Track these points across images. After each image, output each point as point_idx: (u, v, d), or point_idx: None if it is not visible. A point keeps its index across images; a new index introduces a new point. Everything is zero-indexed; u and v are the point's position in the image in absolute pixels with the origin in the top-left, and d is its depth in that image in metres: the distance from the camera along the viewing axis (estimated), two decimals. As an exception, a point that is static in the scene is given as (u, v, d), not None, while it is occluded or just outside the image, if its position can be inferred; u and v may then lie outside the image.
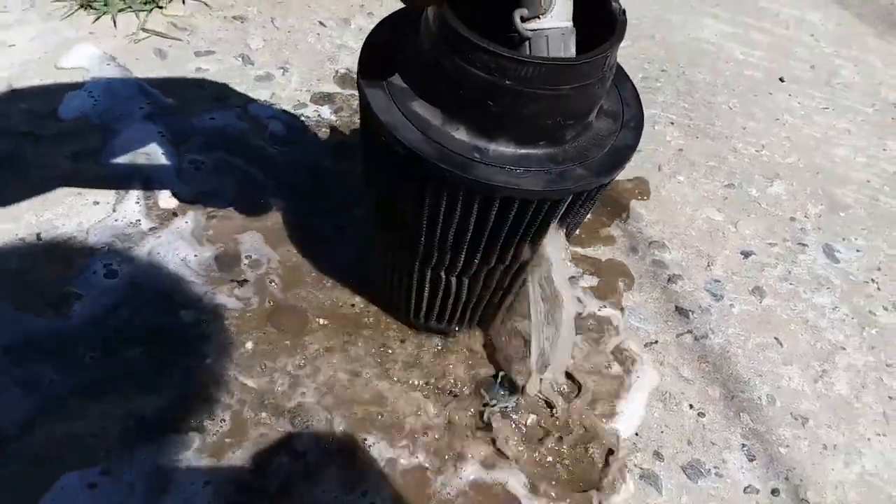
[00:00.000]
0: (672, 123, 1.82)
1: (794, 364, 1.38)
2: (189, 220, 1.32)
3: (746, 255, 1.56)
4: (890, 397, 1.37)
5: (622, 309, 1.38)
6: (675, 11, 2.20)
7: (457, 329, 1.26)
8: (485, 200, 0.91)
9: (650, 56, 2.02)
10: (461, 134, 0.90)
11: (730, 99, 1.94)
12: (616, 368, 1.29)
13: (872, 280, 1.58)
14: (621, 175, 1.24)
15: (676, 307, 1.42)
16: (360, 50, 0.95)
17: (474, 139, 0.90)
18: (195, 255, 1.27)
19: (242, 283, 1.26)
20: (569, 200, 0.95)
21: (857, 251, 1.64)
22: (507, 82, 0.82)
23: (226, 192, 1.37)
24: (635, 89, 1.06)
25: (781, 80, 2.03)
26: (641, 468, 1.18)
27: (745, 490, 1.18)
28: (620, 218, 1.56)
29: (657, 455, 1.19)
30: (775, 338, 1.42)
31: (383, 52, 0.97)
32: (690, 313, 1.41)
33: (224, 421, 1.09)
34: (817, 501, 1.19)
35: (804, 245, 1.61)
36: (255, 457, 1.06)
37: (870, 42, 2.28)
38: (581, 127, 0.94)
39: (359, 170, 1.30)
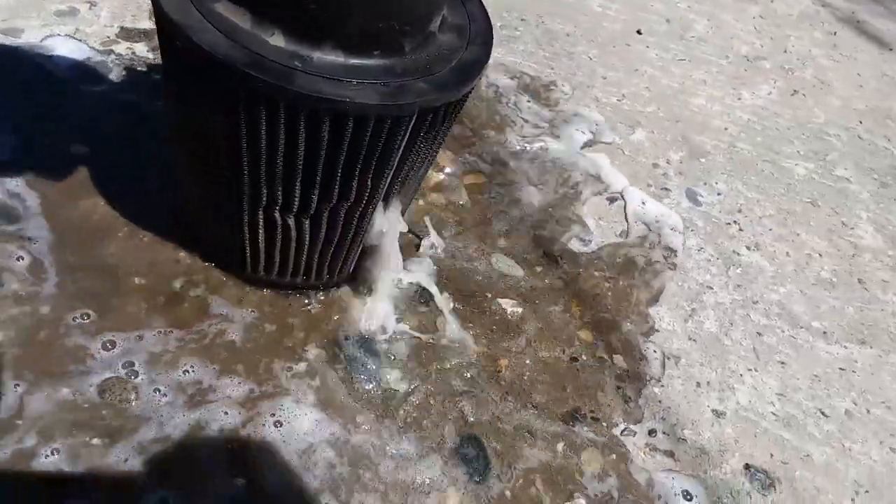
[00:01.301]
0: (533, 65, 1.75)
1: (663, 304, 1.33)
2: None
3: (612, 200, 1.50)
4: (758, 333, 1.35)
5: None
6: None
7: (307, 282, 1.10)
8: (312, 117, 0.76)
9: (508, 5, 1.94)
10: (277, 39, 0.75)
11: (589, 49, 1.90)
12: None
13: (734, 222, 1.57)
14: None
15: (545, 252, 1.33)
16: None
17: (294, 45, 0.75)
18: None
19: (30, 240, 1.03)
20: (412, 122, 0.82)
21: (719, 194, 1.63)
22: None
23: (8, 140, 1.13)
24: (482, 4, 0.95)
25: (639, 32, 2.02)
26: (513, 421, 1.07)
27: (622, 433, 1.10)
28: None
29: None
30: (644, 279, 1.36)
31: None
32: (560, 259, 1.33)
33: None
34: (694, 439, 1.13)
35: (668, 190, 1.58)
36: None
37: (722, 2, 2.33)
38: (422, 37, 0.81)
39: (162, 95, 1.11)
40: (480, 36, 0.91)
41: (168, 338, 0.99)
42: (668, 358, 1.24)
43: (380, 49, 0.78)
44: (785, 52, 2.23)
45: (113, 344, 0.96)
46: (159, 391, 0.94)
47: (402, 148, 0.87)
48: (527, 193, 1.43)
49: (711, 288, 1.40)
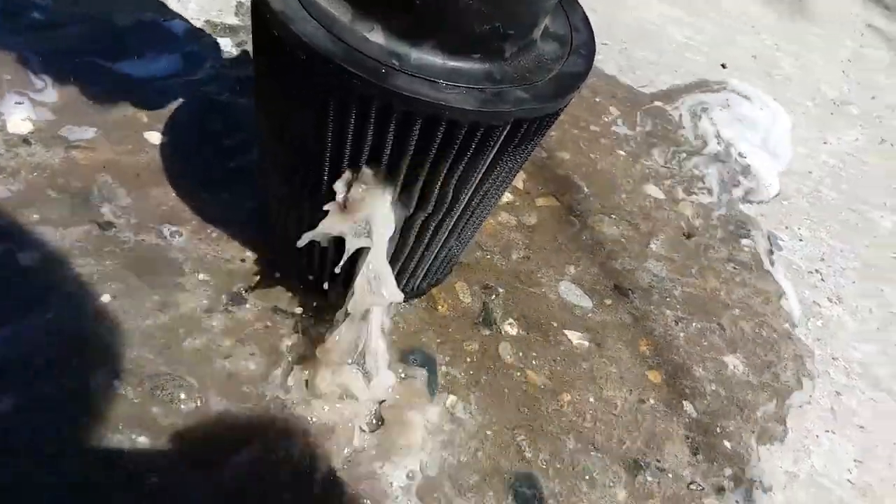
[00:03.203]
0: (614, 97, 1.69)
1: (738, 350, 1.25)
2: (39, 144, 1.07)
3: (689, 236, 1.43)
4: (837, 392, 1.26)
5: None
6: (617, -8, 2.09)
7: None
8: (404, 119, 0.72)
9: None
10: (376, 36, 0.71)
11: (672, 80, 1.83)
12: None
13: (816, 271, 1.48)
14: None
15: (616, 285, 1.27)
16: None
17: (393, 43, 0.71)
18: (43, 187, 1.03)
19: (104, 225, 1.02)
20: (506, 130, 0.78)
21: (800, 241, 1.54)
22: None
23: (95, 121, 1.13)
24: (585, 15, 0.91)
25: (723, 66, 1.94)
26: (573, 461, 1.01)
27: (688, 486, 1.03)
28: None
29: (591, 446, 1.03)
30: (718, 323, 1.29)
31: None
32: (631, 292, 1.27)
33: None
34: (765, 500, 1.05)
35: (748, 230, 1.50)
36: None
37: (811, 39, 2.24)
38: (523, 42, 0.77)
39: (255, 90, 1.09)
40: (583, 47, 0.86)
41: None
42: (742, 410, 1.16)
43: (480, 52, 0.74)
44: (873, 98, 2.13)
45: (172, 338, 0.94)
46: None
47: (490, 158, 0.82)
48: (600, 222, 1.37)
49: (790, 338, 1.32)
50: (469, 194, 0.89)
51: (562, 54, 0.83)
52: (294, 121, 0.81)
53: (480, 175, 0.85)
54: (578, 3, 0.92)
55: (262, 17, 0.74)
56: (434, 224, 0.92)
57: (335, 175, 0.83)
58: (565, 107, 0.85)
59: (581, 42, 0.86)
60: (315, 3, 0.72)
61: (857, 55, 2.29)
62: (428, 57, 0.72)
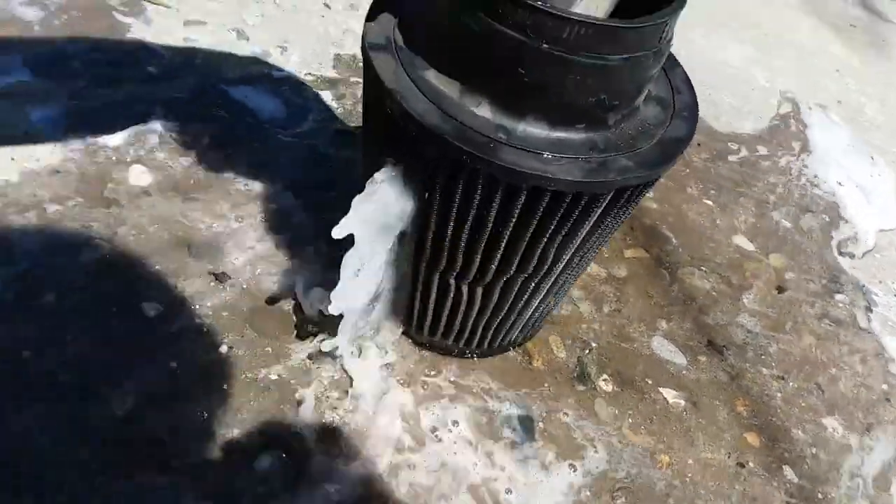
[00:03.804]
0: (699, 144, 1.69)
1: (837, 414, 1.22)
2: (160, 198, 1.13)
3: (781, 290, 1.41)
4: (941, 458, 1.22)
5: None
6: (696, 31, 2.09)
7: (471, 348, 1.08)
8: (509, 191, 0.74)
9: (673, 75, 1.89)
10: (483, 110, 0.74)
11: (756, 125, 1.82)
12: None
13: (913, 327, 1.44)
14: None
15: (709, 341, 1.26)
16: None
17: (499, 117, 0.73)
18: (164, 239, 1.08)
19: (221, 276, 1.07)
20: (609, 197, 0.79)
21: (895, 295, 1.50)
22: (545, 46, 0.67)
23: (204, 171, 1.18)
24: (686, 75, 0.91)
25: (809, 108, 1.92)
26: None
27: (793, 558, 1.01)
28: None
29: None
30: (816, 383, 1.26)
31: (393, 11, 0.81)
32: (725, 349, 1.25)
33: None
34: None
35: (840, 284, 1.47)
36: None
37: (892, 85, 2.19)
38: (627, 110, 0.78)
39: (360, 151, 1.13)
40: (685, 110, 0.86)
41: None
42: (841, 475, 1.13)
43: (584, 122, 0.76)
44: (965, 143, 2.06)
45: (285, 390, 0.97)
46: (326, 445, 0.93)
47: (591, 224, 0.83)
48: (690, 274, 1.36)
49: (889, 400, 1.28)
50: (569, 256, 0.90)
51: (664, 118, 0.84)
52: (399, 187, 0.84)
53: (581, 239, 0.86)
54: (678, 62, 0.92)
55: (375, 93, 0.77)
56: (533, 284, 0.93)
57: (439, 241, 0.86)
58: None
59: (683, 104, 0.87)
60: (425, 79, 0.75)
61: (945, 98, 2.22)
62: (533, 129, 0.74)
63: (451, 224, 0.82)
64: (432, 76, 0.75)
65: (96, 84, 1.26)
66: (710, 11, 2.16)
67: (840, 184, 1.72)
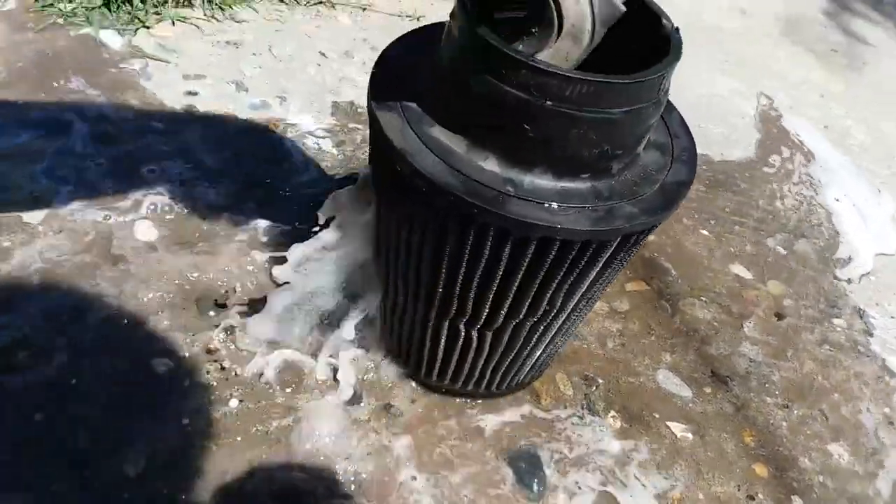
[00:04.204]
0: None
1: (842, 440, 1.24)
2: (167, 253, 1.15)
3: (780, 317, 1.43)
4: (948, 480, 1.23)
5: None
6: (683, 65, 2.13)
7: (479, 391, 1.09)
8: (519, 242, 0.76)
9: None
10: (491, 164, 0.76)
11: (746, 153, 1.85)
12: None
13: (912, 348, 1.46)
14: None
15: (713, 372, 1.27)
16: (367, 78, 0.82)
17: (506, 170, 0.76)
18: (171, 294, 1.10)
19: (229, 329, 1.08)
20: (616, 243, 0.81)
21: (892, 317, 1.52)
22: (549, 103, 0.69)
23: (209, 223, 1.20)
24: (683, 119, 0.94)
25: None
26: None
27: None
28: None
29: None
30: (820, 410, 1.27)
31: (397, 70, 0.83)
32: (729, 380, 1.27)
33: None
34: None
35: (838, 308, 1.49)
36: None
37: (880, 106, 2.24)
38: (629, 158, 0.81)
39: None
40: (684, 154, 0.89)
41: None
42: (852, 503, 1.14)
43: (589, 172, 0.78)
44: (951, 163, 2.10)
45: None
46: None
47: (598, 269, 0.85)
48: (691, 305, 1.38)
49: (892, 424, 1.29)
50: (577, 300, 0.92)
51: (665, 163, 0.86)
52: (412, 242, 0.86)
53: (588, 283, 0.88)
54: (674, 107, 0.95)
55: (383, 152, 0.79)
56: (542, 328, 0.95)
57: (450, 289, 0.87)
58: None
59: (682, 149, 0.89)
60: (432, 136, 0.77)
61: (928, 118, 2.27)
62: (539, 181, 0.76)
63: (462, 274, 0.84)
64: (439, 132, 0.77)
65: (100, 141, 1.28)
66: (695, 46, 2.21)
67: (832, 208, 1.75)
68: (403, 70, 0.83)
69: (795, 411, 1.26)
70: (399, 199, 0.83)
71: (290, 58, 1.58)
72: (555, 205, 0.75)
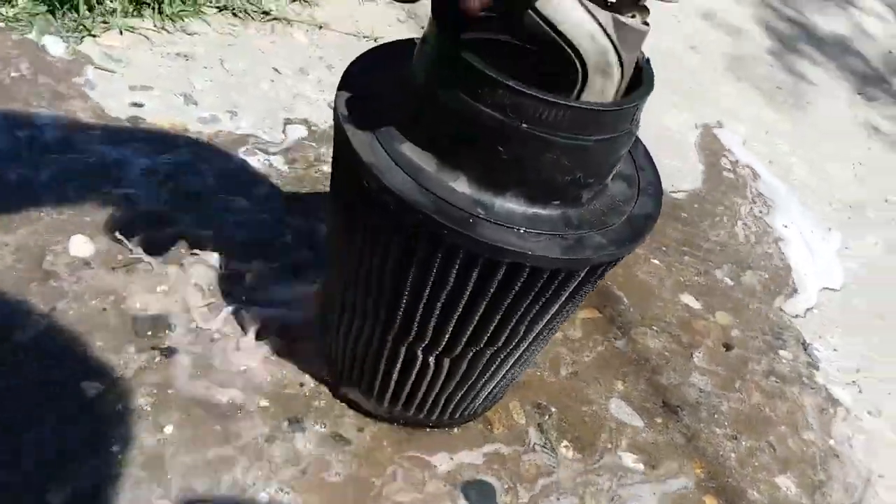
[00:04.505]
0: (643, 206, 1.73)
1: (789, 472, 1.24)
2: (102, 270, 1.09)
3: (728, 348, 1.44)
4: (890, 512, 1.24)
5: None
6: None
7: (431, 419, 1.06)
8: (487, 266, 0.74)
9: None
10: (461, 185, 0.74)
11: (698, 185, 1.89)
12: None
13: (853, 382, 1.49)
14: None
15: (664, 402, 1.27)
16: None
17: (477, 192, 0.74)
18: (105, 313, 1.03)
19: (166, 351, 1.02)
20: (584, 274, 0.80)
21: (835, 350, 1.55)
22: (524, 125, 0.68)
23: (151, 241, 1.15)
24: (648, 152, 0.95)
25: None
26: None
27: None
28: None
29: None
30: (767, 441, 1.28)
31: (365, 85, 0.81)
32: (679, 409, 1.26)
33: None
34: None
35: (783, 341, 1.51)
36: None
37: (823, 145, 2.32)
38: (599, 187, 0.80)
39: (327, 223, 1.11)
40: (650, 187, 0.89)
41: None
42: (798, 535, 1.15)
43: (559, 199, 0.77)
44: (886, 202, 2.19)
45: (237, 472, 0.93)
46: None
47: (563, 299, 0.84)
48: (643, 334, 1.38)
49: (837, 457, 1.31)
50: (539, 330, 0.90)
51: (631, 195, 0.86)
52: (373, 263, 0.83)
53: (552, 314, 0.87)
54: (640, 139, 0.95)
55: (350, 166, 0.76)
56: (501, 357, 0.93)
57: (410, 312, 0.85)
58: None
59: (647, 182, 0.89)
60: (402, 153, 0.75)
61: (868, 158, 2.36)
62: (510, 204, 0.75)
63: (426, 297, 0.81)
64: (409, 150, 0.75)
65: (40, 151, 1.21)
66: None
67: (780, 242, 1.79)
68: (371, 85, 0.81)
69: (744, 442, 1.26)
70: (363, 218, 0.80)
71: (243, 73, 1.54)
72: (524, 230, 0.73)
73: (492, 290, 0.77)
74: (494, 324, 0.83)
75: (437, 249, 0.74)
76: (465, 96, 0.68)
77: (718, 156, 2.04)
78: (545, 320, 0.87)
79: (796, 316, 1.59)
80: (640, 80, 0.77)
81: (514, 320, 0.83)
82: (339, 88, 0.79)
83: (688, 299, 1.52)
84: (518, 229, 0.73)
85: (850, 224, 2.00)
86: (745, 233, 1.78)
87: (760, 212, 1.87)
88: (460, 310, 0.81)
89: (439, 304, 0.81)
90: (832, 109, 2.50)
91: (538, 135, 0.68)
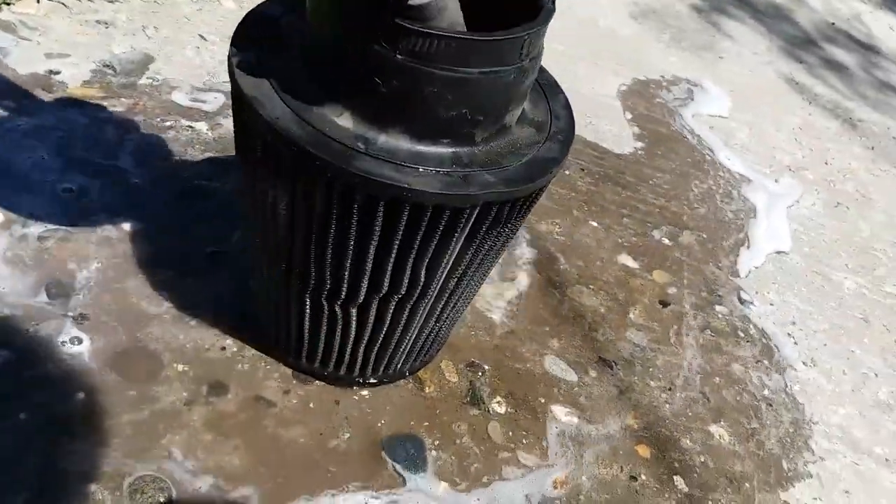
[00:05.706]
0: (583, 170, 1.74)
1: (723, 421, 1.25)
2: (15, 240, 1.04)
3: (665, 304, 1.45)
4: (821, 458, 1.27)
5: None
6: (579, 65, 2.17)
7: (355, 377, 1.04)
8: (367, 202, 0.72)
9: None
10: (345, 120, 0.73)
11: (634, 148, 1.89)
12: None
13: (789, 335, 1.51)
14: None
15: (599, 357, 1.27)
16: None
17: (360, 127, 0.72)
18: (15, 283, 0.99)
19: (80, 318, 0.99)
20: (474, 215, 0.78)
21: (771, 305, 1.57)
22: (400, 57, 0.67)
23: (64, 209, 1.10)
24: (567, 101, 0.93)
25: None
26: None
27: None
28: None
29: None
30: (701, 392, 1.29)
31: (264, 23, 0.80)
32: (614, 364, 1.27)
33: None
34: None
35: (720, 297, 1.53)
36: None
37: (763, 109, 2.34)
38: (494, 128, 0.78)
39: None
40: (560, 133, 0.88)
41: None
42: (731, 482, 1.16)
43: (449, 137, 0.75)
44: (826, 164, 2.22)
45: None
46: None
47: (460, 242, 0.82)
48: (579, 293, 1.38)
49: (771, 405, 1.33)
50: (443, 277, 0.88)
51: (538, 140, 0.84)
52: (266, 204, 0.81)
53: (453, 258, 0.85)
54: (561, 89, 0.94)
55: (235, 102, 0.75)
56: (409, 306, 0.91)
57: (304, 255, 0.83)
58: (541, 191, 0.85)
59: (559, 128, 0.88)
60: (288, 88, 0.74)
61: (806, 123, 2.40)
62: (395, 141, 0.73)
63: (314, 238, 0.79)
64: (298, 85, 0.73)
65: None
66: (593, 49, 2.26)
67: (718, 201, 1.81)
68: (267, 24, 0.79)
69: (678, 394, 1.27)
70: (250, 155, 0.79)
71: (166, 40, 1.49)
72: (406, 165, 0.71)
73: (377, 230, 0.76)
74: (390, 267, 0.81)
75: (316, 185, 0.73)
76: (341, 25, 0.67)
77: (659, 122, 2.05)
78: (446, 266, 0.85)
79: (733, 273, 1.61)
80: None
81: (410, 264, 0.82)
82: (238, 27, 0.78)
83: (625, 259, 1.52)
84: (398, 164, 0.71)
85: (789, 185, 2.02)
86: (680, 196, 1.79)
87: (705, 172, 1.89)
88: (351, 252, 0.79)
89: (329, 247, 0.79)
90: (771, 73, 2.54)
91: (416, 67, 0.67)
